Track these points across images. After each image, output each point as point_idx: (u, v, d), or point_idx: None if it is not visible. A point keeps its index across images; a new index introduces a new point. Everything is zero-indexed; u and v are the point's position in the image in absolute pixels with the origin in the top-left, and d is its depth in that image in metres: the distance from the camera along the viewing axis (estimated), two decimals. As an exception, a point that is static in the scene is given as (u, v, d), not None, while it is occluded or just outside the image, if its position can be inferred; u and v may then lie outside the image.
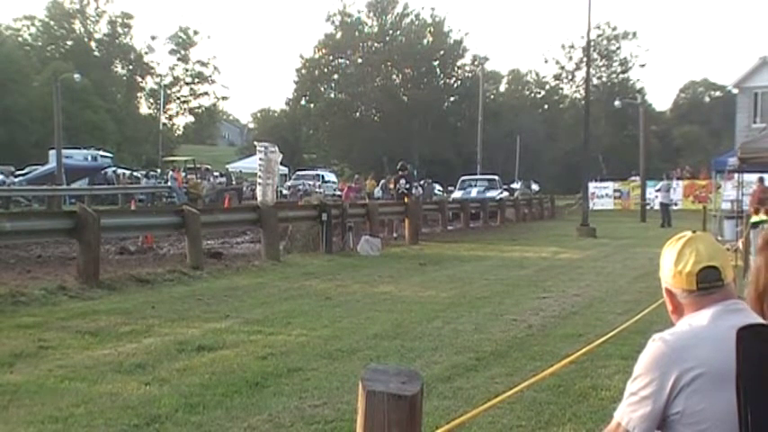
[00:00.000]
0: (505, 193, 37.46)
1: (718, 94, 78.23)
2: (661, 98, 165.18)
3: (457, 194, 35.60)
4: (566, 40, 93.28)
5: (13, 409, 5.45)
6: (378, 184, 35.26)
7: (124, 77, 78.28)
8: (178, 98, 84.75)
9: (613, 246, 20.97)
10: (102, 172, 44.19)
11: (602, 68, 77.29)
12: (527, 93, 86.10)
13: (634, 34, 79.03)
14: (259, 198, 18.16)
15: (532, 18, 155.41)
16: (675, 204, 36.37)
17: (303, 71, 75.82)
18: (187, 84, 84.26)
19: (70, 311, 9.37)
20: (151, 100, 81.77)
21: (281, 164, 28.82)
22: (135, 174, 47.77)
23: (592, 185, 40.60)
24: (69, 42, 73.47)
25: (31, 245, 16.55)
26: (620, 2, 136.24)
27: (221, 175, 48.34)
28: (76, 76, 48.01)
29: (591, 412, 5.50)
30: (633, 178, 45.90)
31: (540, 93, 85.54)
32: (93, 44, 75.46)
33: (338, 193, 40.60)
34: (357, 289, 11.89)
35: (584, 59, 50.57)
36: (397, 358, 7.10)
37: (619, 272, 14.59)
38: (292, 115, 77.63)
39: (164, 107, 78.43)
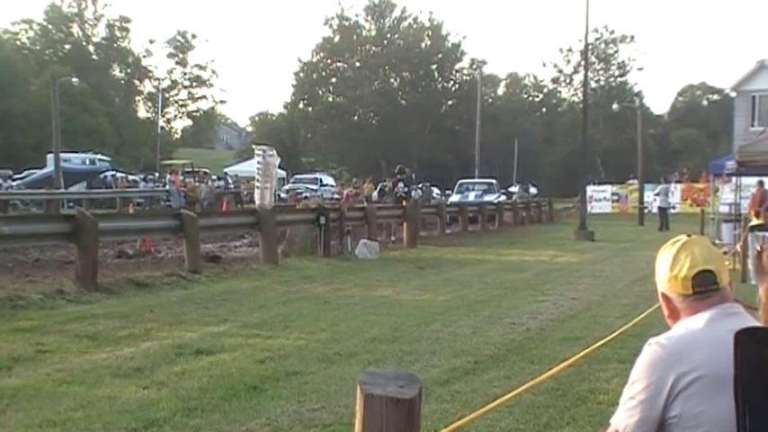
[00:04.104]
0: (503, 197, 37.47)
1: (716, 97, 78.26)
2: (659, 101, 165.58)
3: (455, 198, 35.59)
4: (564, 43, 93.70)
5: (11, 413, 5.45)
6: (375, 188, 35.20)
7: (122, 81, 78.23)
8: (176, 102, 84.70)
9: (611, 249, 20.99)
10: (102, 176, 44.18)
11: (600, 72, 77.29)
12: (525, 96, 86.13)
13: (632, 38, 78.92)
14: (257, 201, 18.13)
15: (530, 22, 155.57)
16: (674, 208, 36.35)
17: (301, 75, 75.88)
18: (185, 87, 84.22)
19: (68, 315, 9.36)
20: (149, 104, 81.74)
21: (279, 167, 28.79)
22: (132, 177, 47.73)
23: (590, 189, 40.54)
24: (67, 46, 73.44)
25: (29, 248, 16.53)
26: (619, 5, 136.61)
27: (219, 179, 48.29)
28: (74, 79, 48.01)
29: (589, 416, 5.50)
30: (631, 181, 45.89)
31: (537, 96, 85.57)
32: (91, 48, 75.42)
33: (336, 196, 40.61)
34: (355, 292, 11.88)
35: (582, 63, 50.57)
36: (395, 362, 7.10)
37: (617, 275, 14.59)
38: (290, 119, 77.62)
39: (162, 111, 78.35)
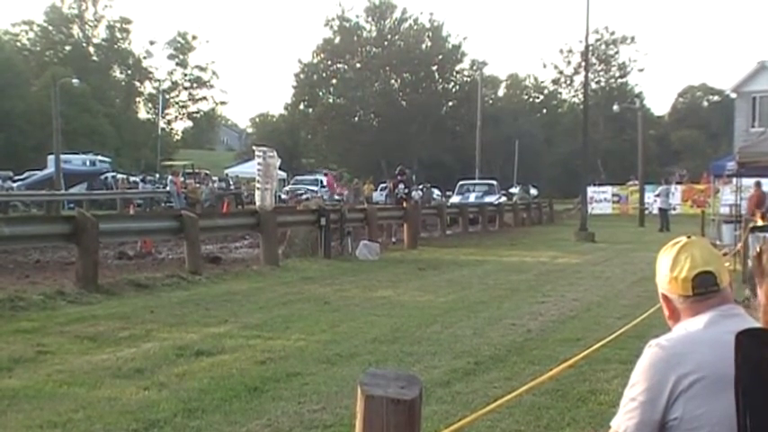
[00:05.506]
0: (504, 198, 37.45)
1: (716, 98, 78.24)
2: (659, 103, 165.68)
3: (455, 199, 35.54)
4: (564, 44, 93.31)
5: (11, 414, 5.45)
6: (376, 188, 35.21)
7: (123, 82, 78.23)
8: (177, 103, 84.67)
9: (612, 250, 20.97)
10: (102, 177, 44.21)
11: (601, 73, 77.31)
12: (525, 97, 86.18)
13: (632, 39, 78.96)
14: (258, 203, 18.14)
15: (531, 23, 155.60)
16: (674, 209, 36.34)
17: (302, 76, 75.86)
18: (186, 88, 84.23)
19: (69, 316, 9.36)
20: (150, 105, 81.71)
21: (280, 168, 28.79)
22: (132, 178, 47.76)
23: (590, 190, 40.55)
24: (68, 47, 73.45)
25: (30, 250, 16.53)
26: (619, 6, 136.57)
27: (220, 180, 48.30)
28: (75, 80, 48.06)
29: (589, 417, 5.50)
30: (632, 183, 45.90)
31: (538, 97, 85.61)
32: (91, 49, 75.44)
33: (336, 197, 40.61)
34: (356, 293, 11.88)
35: (583, 64, 50.61)
36: (395, 363, 7.10)
37: (617, 276, 14.59)
38: (291, 120, 77.61)
39: (162, 112, 78.35)
